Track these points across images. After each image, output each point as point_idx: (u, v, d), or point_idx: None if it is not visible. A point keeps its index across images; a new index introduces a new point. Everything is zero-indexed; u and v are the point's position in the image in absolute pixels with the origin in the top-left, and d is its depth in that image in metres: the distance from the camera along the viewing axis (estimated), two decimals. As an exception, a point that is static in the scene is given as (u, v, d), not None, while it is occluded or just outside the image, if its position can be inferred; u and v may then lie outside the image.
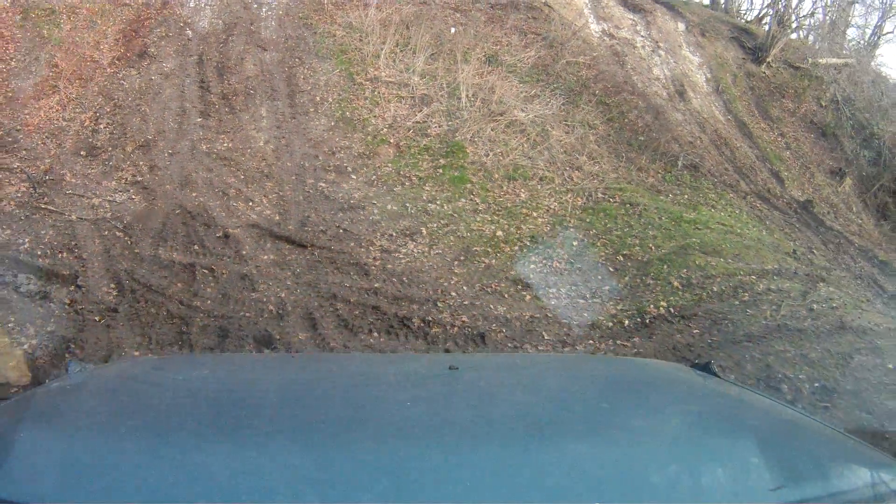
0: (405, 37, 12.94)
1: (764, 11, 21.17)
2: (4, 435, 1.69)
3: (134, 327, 6.10)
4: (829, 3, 22.06)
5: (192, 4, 13.57)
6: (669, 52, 16.38)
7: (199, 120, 10.48)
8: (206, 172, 9.24)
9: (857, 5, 23.58)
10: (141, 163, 9.39)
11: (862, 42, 23.83)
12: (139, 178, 9.03)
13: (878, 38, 23.97)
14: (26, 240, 7.45)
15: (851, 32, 24.06)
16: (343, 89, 11.50)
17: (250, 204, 8.72)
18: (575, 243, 8.81)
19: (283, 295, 6.80)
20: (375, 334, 6.36)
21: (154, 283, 6.81)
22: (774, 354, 6.32)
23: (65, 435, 1.73)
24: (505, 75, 12.57)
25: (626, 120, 12.91)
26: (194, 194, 8.71)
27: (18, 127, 10.02)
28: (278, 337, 6.04)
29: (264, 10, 13.74)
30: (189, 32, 12.72)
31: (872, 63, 21.56)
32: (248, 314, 6.43)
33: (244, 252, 7.46)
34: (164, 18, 12.94)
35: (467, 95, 11.67)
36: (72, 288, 6.65)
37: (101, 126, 10.24)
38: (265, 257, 7.49)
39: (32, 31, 12.01)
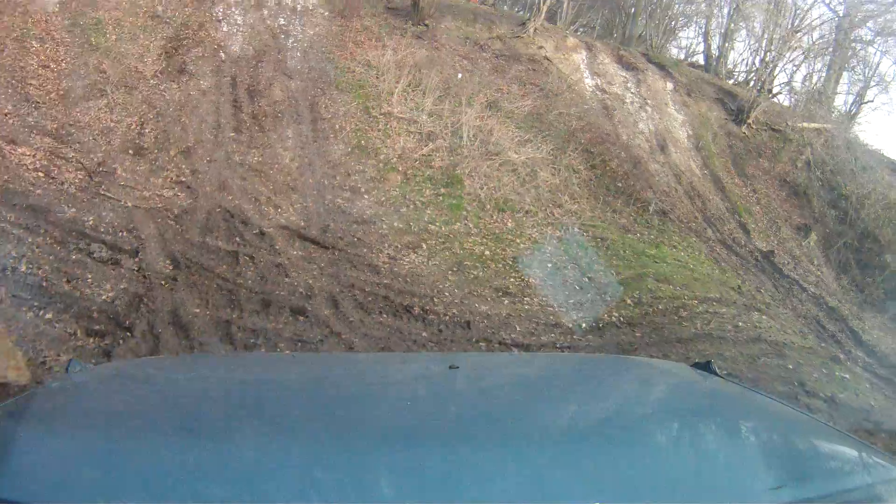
0: (417, 78, 14.82)
1: (750, 76, 23.46)
2: (4, 435, 1.73)
3: (192, 292, 7.81)
4: (812, 73, 24.31)
5: (225, 29, 15.30)
6: (656, 108, 18.41)
7: (233, 134, 12.28)
8: (240, 180, 11.04)
9: (845, 73, 25.95)
10: (183, 166, 11.14)
11: (844, 108, 26.16)
12: (183, 179, 10.78)
13: (860, 105, 26.35)
14: (90, 218, 9.01)
15: (838, 99, 26.34)
16: (359, 120, 13.35)
17: (279, 210, 10.53)
18: (549, 266, 10.69)
19: (310, 281, 8.53)
20: (385, 316, 8.14)
21: (204, 262, 8.52)
22: (696, 352, 8.29)
23: (65, 435, 1.78)
24: (503, 120, 14.50)
25: (607, 167, 14.87)
26: (230, 197, 10.48)
27: (71, 122, 11.42)
28: (309, 309, 7.84)
29: (290, 41, 15.58)
30: (222, 55, 14.49)
31: (854, 129, 23.67)
32: (283, 293, 8.15)
33: (277, 247, 9.22)
34: (200, 39, 14.61)
35: (468, 135, 13.52)
36: (136, 259, 8.36)
37: (147, 130, 11.84)
38: (294, 253, 9.25)
39: (81, 38, 13.42)
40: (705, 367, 2.47)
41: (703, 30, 26.65)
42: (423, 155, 12.86)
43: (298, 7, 16.83)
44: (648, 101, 18.60)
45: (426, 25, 17.04)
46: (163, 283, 7.93)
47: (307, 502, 1.45)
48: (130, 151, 11.34)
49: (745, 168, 18.44)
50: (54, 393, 2.26)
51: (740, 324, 9.54)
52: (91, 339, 6.65)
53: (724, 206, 16.52)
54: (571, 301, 9.69)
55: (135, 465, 1.59)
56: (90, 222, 9.02)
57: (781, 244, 16.37)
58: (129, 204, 9.75)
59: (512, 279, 10.04)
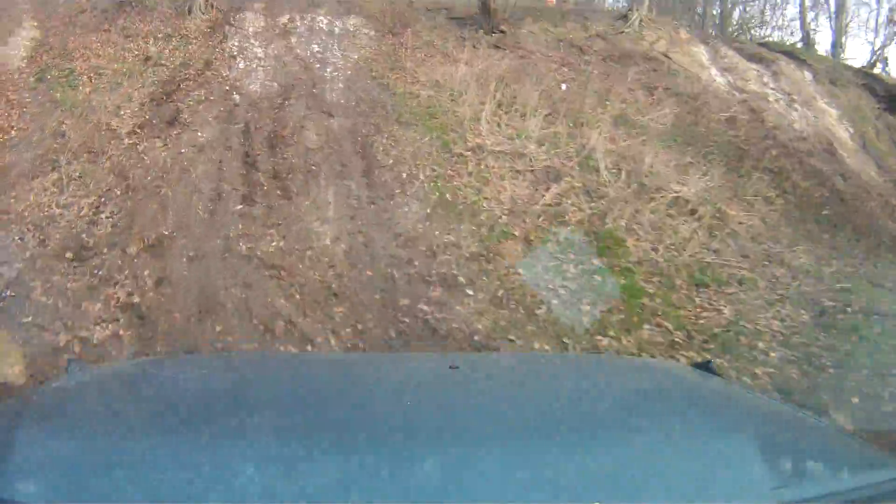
0: (507, 96, 9.22)
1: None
2: (4, 435, 1.49)
3: None
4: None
5: (241, 66, 10.19)
6: (805, 104, 12.37)
7: (240, 207, 6.79)
8: (241, 289, 5.45)
9: None
10: (145, 272, 5.76)
11: None
12: (136, 300, 5.37)
13: None
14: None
15: None
16: (437, 163, 7.70)
17: (311, 341, 4.81)
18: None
19: None
20: None
21: None
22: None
23: (65, 435, 1.54)
24: (642, 139, 8.71)
25: (798, 190, 8.91)
26: (218, 329, 4.89)
27: (-1, 210, 6.95)
28: None
29: (329, 69, 10.25)
30: (236, 96, 9.31)
31: None
32: None
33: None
34: (204, 80, 9.64)
35: (606, 167, 7.74)
36: None
37: (103, 215, 6.81)
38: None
39: (44, 95, 9.12)
40: (705, 367, 2.21)
41: (800, 8, 20.70)
42: (546, 205, 7.12)
43: (336, 30, 11.71)
44: (794, 97, 12.50)
45: (503, 32, 11.89)
46: None
47: (307, 502, 1.22)
48: (68, 255, 6.27)
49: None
50: (54, 393, 2.00)
51: None
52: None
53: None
54: None
55: (135, 465, 1.36)
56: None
57: None
58: (27, 354, 4.86)
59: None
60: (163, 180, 7.20)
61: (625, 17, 12.77)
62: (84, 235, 6.41)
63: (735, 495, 1.31)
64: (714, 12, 20.99)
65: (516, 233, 6.55)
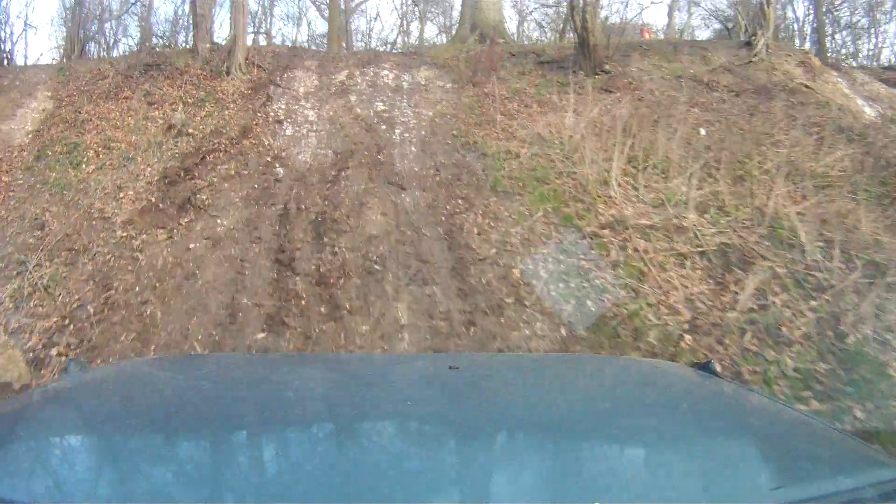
0: (637, 148, 6.51)
1: None
2: (4, 435, 1.39)
3: None
4: None
5: (288, 132, 8.06)
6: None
7: (262, 336, 4.35)
8: None
9: None
10: None
11: None
12: None
13: None
14: None
15: None
16: (562, 249, 4.96)
17: None
18: None
19: None
20: None
21: None
22: None
23: (65, 435, 1.44)
24: (830, 194, 5.82)
25: None
26: None
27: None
28: None
29: (398, 130, 7.95)
30: (279, 169, 7.06)
31: None
32: None
33: None
34: (239, 151, 7.48)
35: (810, 241, 4.89)
36: None
37: (55, 350, 4.68)
38: None
39: (38, 175, 7.49)
40: (705, 367, 1.96)
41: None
42: (748, 311, 4.19)
43: (404, 84, 9.48)
44: (959, 127, 9.64)
45: (606, 72, 9.50)
46: None
47: (306, 502, 1.09)
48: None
49: None
50: (54, 393, 1.87)
51: None
52: None
53: None
54: None
55: (134, 465, 1.28)
56: None
57: None
58: None
59: None
60: (154, 292, 4.79)
61: (748, 45, 10.23)
62: (15, 386, 4.03)
63: (735, 495, 1.19)
64: (794, 37, 18.26)
65: (716, 366, 3.81)
